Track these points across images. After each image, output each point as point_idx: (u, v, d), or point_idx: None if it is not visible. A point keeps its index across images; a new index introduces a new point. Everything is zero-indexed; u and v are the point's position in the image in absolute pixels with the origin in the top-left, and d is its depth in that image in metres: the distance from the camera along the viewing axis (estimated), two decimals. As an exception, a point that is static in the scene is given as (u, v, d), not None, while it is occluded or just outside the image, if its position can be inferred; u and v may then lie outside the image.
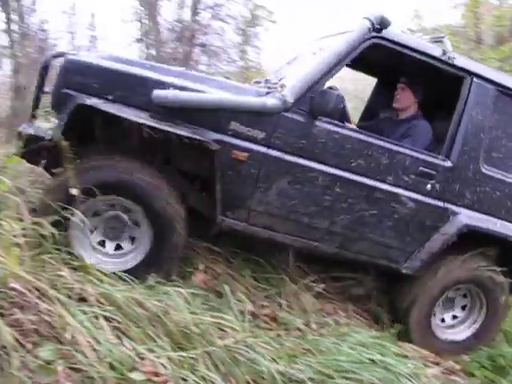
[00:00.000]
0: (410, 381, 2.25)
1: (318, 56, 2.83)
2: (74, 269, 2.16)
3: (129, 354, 1.80)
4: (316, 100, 2.58)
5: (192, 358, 1.92)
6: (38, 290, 1.86)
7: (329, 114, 2.62)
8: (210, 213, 2.70)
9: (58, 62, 2.59)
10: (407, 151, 2.88)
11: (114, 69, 2.49)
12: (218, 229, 2.72)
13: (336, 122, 2.74)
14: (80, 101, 2.32)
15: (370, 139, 2.82)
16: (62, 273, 2.04)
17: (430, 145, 3.13)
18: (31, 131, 2.43)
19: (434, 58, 2.88)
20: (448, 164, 2.95)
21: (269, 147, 2.63)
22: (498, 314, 3.31)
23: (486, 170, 3.02)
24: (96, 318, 1.90)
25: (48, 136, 2.33)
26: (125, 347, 1.83)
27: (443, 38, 3.03)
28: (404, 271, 3.05)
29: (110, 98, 2.42)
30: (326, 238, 2.86)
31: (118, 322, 1.95)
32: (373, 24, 2.62)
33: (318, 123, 2.68)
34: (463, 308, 3.38)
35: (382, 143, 2.83)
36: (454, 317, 3.38)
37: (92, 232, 2.51)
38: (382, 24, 2.67)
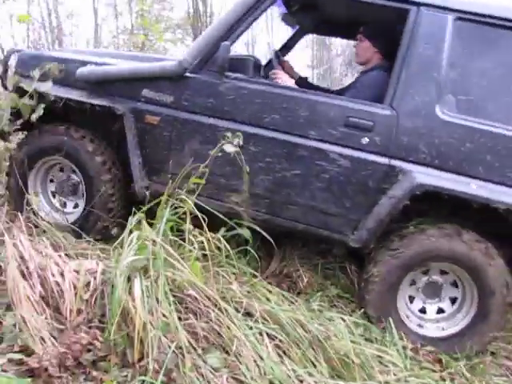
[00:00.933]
0: None
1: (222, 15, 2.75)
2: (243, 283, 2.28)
3: (288, 375, 1.82)
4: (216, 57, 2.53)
5: (350, 388, 1.87)
6: (210, 300, 1.99)
7: (222, 67, 2.51)
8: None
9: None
10: (330, 100, 2.51)
11: (50, 55, 2.84)
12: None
13: (243, 76, 2.59)
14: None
15: (282, 90, 2.57)
16: (232, 286, 2.15)
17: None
18: None
19: None
20: (389, 112, 2.44)
21: (178, 109, 2.63)
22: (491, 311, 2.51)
23: (448, 116, 2.40)
24: (260, 334, 1.96)
25: None
26: (285, 367, 1.85)
27: None
28: (351, 244, 2.57)
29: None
30: (250, 202, 2.59)
31: (280, 341, 1.98)
32: None
33: (225, 80, 2.57)
34: (453, 301, 2.66)
35: (297, 94, 2.54)
36: (441, 311, 2.67)
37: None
38: None
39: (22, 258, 1.96)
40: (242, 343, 1.82)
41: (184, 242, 2.08)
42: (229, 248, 2.21)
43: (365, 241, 2.55)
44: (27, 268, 1.95)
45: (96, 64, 2.76)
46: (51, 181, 2.97)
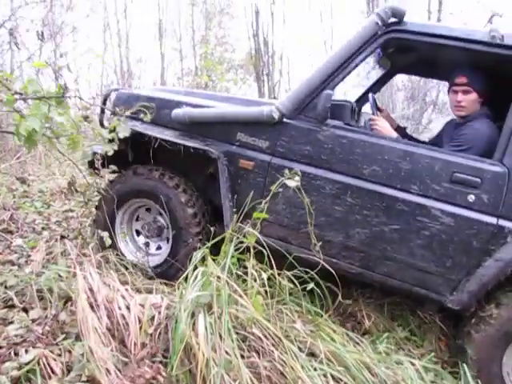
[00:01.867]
0: None
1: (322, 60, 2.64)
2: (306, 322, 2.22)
3: (355, 421, 1.73)
4: (315, 104, 2.48)
5: None
6: (273, 338, 1.95)
7: (321, 115, 2.45)
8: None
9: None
10: (435, 154, 2.36)
11: (146, 95, 2.89)
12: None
13: (342, 124, 2.51)
14: None
15: (384, 141, 2.46)
16: (296, 325, 2.10)
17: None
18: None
19: (473, 41, 2.35)
20: (498, 169, 2.26)
21: (273, 155, 2.59)
22: None
23: None
24: (325, 375, 1.90)
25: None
26: (351, 411, 1.77)
27: (492, 17, 2.42)
28: (449, 305, 2.39)
29: (144, 120, 2.71)
30: (343, 255, 2.52)
31: (346, 384, 1.90)
32: (381, 18, 2.37)
33: (324, 128, 2.50)
34: None
35: (400, 146, 2.42)
36: None
37: None
38: (395, 15, 2.40)
39: (91, 290, 2.01)
40: (306, 385, 1.76)
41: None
42: (291, 286, 2.17)
43: (465, 304, 2.40)
44: (95, 300, 2.00)
45: (191, 106, 2.81)
46: (137, 219, 3.03)
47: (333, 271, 2.22)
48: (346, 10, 19.37)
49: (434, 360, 2.50)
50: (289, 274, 2.14)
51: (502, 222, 2.29)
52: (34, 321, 2.03)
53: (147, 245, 2.95)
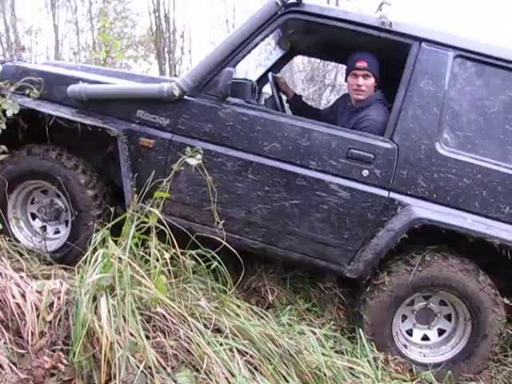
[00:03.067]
0: None
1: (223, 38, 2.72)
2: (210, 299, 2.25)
3: (261, 390, 1.79)
4: (216, 82, 2.50)
5: (323, 401, 1.86)
6: (178, 317, 1.94)
7: (221, 92, 2.48)
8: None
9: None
10: (333, 131, 2.50)
11: (37, 69, 2.73)
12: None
13: (243, 102, 2.54)
14: None
15: (285, 119, 2.54)
16: (200, 302, 2.12)
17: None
18: None
19: (365, 25, 2.52)
20: (389, 145, 2.46)
21: (174, 133, 2.58)
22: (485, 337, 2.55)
23: (446, 151, 2.44)
24: (230, 350, 1.93)
25: None
26: (257, 383, 1.82)
27: (382, 4, 2.64)
28: (348, 275, 2.59)
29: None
30: (246, 231, 2.60)
31: (251, 357, 1.95)
32: None
33: (225, 105, 2.53)
34: (440, 333, 2.72)
35: (299, 123, 2.52)
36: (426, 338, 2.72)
37: None
38: None
39: (-22, 280, 1.88)
40: (212, 360, 1.79)
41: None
42: (195, 264, 2.18)
43: (361, 272, 2.56)
44: (-16, 291, 1.86)
45: (89, 82, 2.66)
46: (32, 202, 2.85)
47: (234, 250, 2.25)
48: (248, -12, 19.45)
49: (333, 328, 2.66)
50: (192, 252, 2.14)
51: (393, 195, 2.47)
52: None
53: (44, 229, 2.79)
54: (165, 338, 1.86)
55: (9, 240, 2.59)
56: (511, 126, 2.48)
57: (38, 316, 1.83)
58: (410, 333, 2.72)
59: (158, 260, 1.97)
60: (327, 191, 2.48)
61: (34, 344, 1.80)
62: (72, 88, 2.62)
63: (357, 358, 2.29)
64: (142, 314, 1.86)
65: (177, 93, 2.51)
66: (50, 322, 1.85)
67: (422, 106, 2.46)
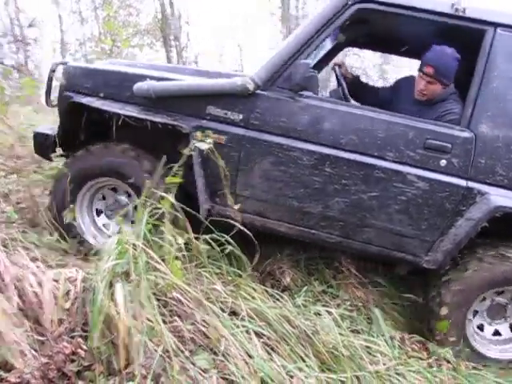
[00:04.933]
0: None
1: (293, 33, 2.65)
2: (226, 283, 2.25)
3: (278, 371, 1.80)
4: (291, 75, 2.45)
5: (341, 381, 1.86)
6: (194, 301, 1.96)
7: (300, 85, 2.43)
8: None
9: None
10: (409, 122, 2.47)
11: (100, 69, 2.72)
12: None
13: (317, 96, 2.53)
14: (72, 99, 2.58)
15: (361, 111, 2.51)
16: (216, 286, 2.12)
17: None
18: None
19: (439, 13, 2.44)
20: (467, 134, 2.43)
21: (247, 128, 2.52)
22: None
23: None
24: (247, 332, 1.94)
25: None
26: (275, 363, 1.83)
27: None
28: (425, 265, 2.58)
29: (101, 95, 2.60)
30: (322, 225, 2.58)
31: (268, 339, 1.97)
32: None
33: (298, 99, 2.49)
34: None
35: (375, 114, 2.49)
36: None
37: None
38: None
39: (-3, 270, 1.89)
40: (229, 343, 1.80)
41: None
42: (209, 248, 2.18)
43: (440, 262, 2.56)
44: (3, 280, 1.88)
45: (156, 79, 2.61)
46: (100, 199, 2.86)
47: (249, 233, 2.26)
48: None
49: (349, 308, 2.66)
50: (206, 237, 2.14)
51: (471, 184, 2.45)
52: None
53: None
54: (182, 322, 1.87)
55: (23, 231, 2.61)
56: None
57: (55, 304, 1.85)
58: (481, 328, 2.73)
59: (172, 245, 1.98)
60: (405, 182, 2.47)
61: (53, 331, 1.82)
62: (139, 86, 2.57)
63: (373, 337, 2.29)
64: (158, 300, 1.87)
65: (251, 87, 2.47)
66: (68, 310, 1.87)
67: (498, 93, 2.43)
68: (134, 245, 1.86)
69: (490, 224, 2.44)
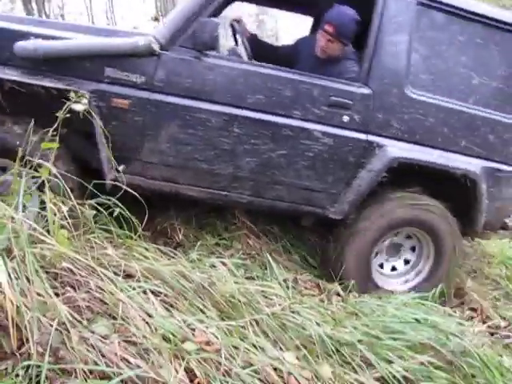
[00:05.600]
0: (460, 339, 2.23)
1: None
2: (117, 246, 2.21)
3: (180, 326, 1.83)
4: (196, 33, 2.40)
5: (241, 326, 1.95)
6: (86, 269, 1.90)
7: (206, 44, 2.40)
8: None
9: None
10: (313, 80, 2.58)
11: None
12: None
13: (223, 55, 2.58)
14: None
15: (266, 70, 2.56)
16: (107, 251, 2.07)
17: None
18: None
19: None
20: (366, 91, 2.63)
21: (151, 91, 2.45)
22: (447, 260, 3.00)
23: (414, 94, 2.68)
24: (144, 292, 1.93)
25: None
26: (175, 319, 1.86)
27: None
28: (332, 216, 2.77)
29: None
30: (234, 186, 2.63)
31: (166, 296, 1.98)
32: None
33: (204, 59, 2.46)
34: (413, 250, 3.11)
35: (281, 73, 2.56)
36: (407, 262, 3.12)
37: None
38: None
39: None
40: (127, 305, 1.78)
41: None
42: (96, 213, 2.11)
43: (345, 212, 2.73)
44: None
45: (43, 37, 2.29)
46: None
47: (135, 193, 2.21)
48: None
49: (243, 257, 2.75)
50: (92, 202, 2.06)
51: (371, 138, 2.66)
52: None
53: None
54: (75, 292, 1.81)
55: None
56: (465, 69, 2.74)
57: None
58: (381, 266, 3.06)
59: (55, 214, 1.88)
60: (311, 139, 2.58)
61: None
62: (23, 45, 2.25)
63: (267, 281, 2.40)
64: (47, 273, 1.78)
65: (156, 47, 2.33)
66: None
67: (390, 52, 2.62)
68: (12, 218, 1.73)
69: (389, 174, 2.67)
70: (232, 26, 3.21)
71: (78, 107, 2.07)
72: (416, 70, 2.68)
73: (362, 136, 2.65)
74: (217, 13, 2.53)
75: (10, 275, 1.63)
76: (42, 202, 1.92)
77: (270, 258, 2.55)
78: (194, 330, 1.85)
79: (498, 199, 2.93)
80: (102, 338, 1.67)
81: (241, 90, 2.48)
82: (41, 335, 1.57)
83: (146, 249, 2.24)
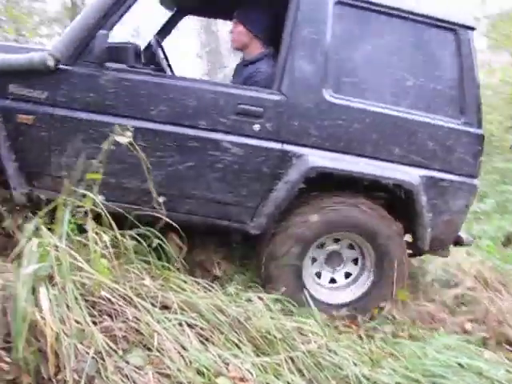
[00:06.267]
0: (507, 387, 2.11)
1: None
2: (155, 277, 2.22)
3: (214, 360, 1.81)
4: (90, 47, 2.39)
5: (276, 363, 1.91)
6: (124, 299, 1.92)
7: (101, 57, 2.37)
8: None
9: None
10: (219, 88, 2.50)
11: None
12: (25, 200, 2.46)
13: (123, 66, 2.45)
14: None
15: (169, 80, 2.52)
16: (145, 281, 2.09)
17: None
18: None
19: None
20: (277, 98, 2.47)
21: (55, 106, 2.42)
22: (391, 272, 2.67)
23: (334, 98, 2.50)
24: (180, 324, 1.94)
25: None
26: (210, 353, 1.85)
27: None
28: (252, 231, 2.60)
29: None
30: (144, 200, 2.47)
31: (202, 329, 1.97)
32: None
33: (105, 72, 2.42)
34: (355, 262, 2.83)
35: (183, 83, 2.50)
36: (348, 275, 2.83)
37: None
38: None
39: None
40: (163, 337, 1.79)
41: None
42: (135, 244, 2.15)
43: (264, 227, 2.56)
44: None
45: None
46: None
47: (176, 225, 2.23)
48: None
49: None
50: (132, 233, 2.10)
51: (286, 147, 2.48)
52: None
53: None
54: (112, 321, 1.83)
55: None
56: (396, 70, 2.57)
57: (-28, 317, 1.74)
58: (318, 275, 2.80)
59: (97, 243, 1.92)
60: (220, 149, 2.46)
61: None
62: None
63: (304, 318, 2.36)
64: (86, 300, 1.81)
65: (51, 63, 2.34)
66: (-13, 322, 1.76)
67: (306, 54, 2.47)
68: (56, 246, 1.78)
69: (308, 184, 2.49)
70: (155, 38, 3.23)
71: (123, 140, 2.13)
72: (337, 73, 2.51)
73: (277, 145, 2.49)
74: (113, 26, 2.49)
75: (51, 302, 1.67)
76: (84, 230, 1.97)
77: (306, 294, 2.51)
78: (228, 364, 1.83)
79: (445, 212, 2.66)
80: (137, 368, 1.68)
81: (143, 102, 2.44)
82: (77, 363, 1.59)
83: (184, 281, 2.24)
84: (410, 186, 2.53)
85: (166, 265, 2.26)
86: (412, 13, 2.56)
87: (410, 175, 2.54)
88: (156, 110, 2.43)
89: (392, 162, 2.56)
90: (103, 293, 1.86)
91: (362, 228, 2.61)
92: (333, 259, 2.78)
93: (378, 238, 2.63)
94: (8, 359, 1.65)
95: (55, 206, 1.93)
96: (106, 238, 1.92)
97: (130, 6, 2.46)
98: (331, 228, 2.62)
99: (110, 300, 1.87)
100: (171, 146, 2.45)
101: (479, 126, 2.64)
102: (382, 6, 2.53)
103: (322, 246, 2.73)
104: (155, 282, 2.14)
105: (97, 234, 1.92)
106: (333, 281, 2.81)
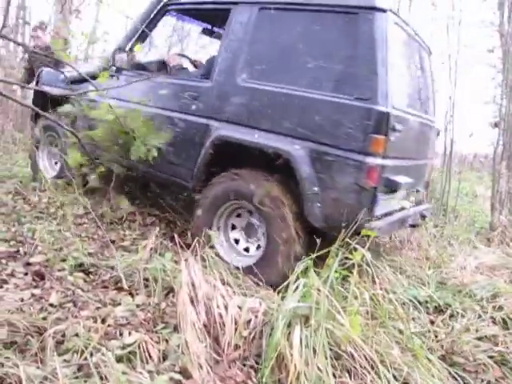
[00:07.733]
0: None
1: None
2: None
3: None
4: None
5: None
6: (367, 360, 1.86)
7: None
8: None
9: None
10: (176, 81, 3.41)
11: None
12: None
13: None
14: None
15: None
16: (393, 351, 1.99)
17: None
18: None
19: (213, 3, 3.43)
20: (207, 84, 3.19)
21: None
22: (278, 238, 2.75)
23: (244, 82, 3.01)
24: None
25: None
26: None
27: None
28: (190, 187, 3.28)
29: None
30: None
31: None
32: None
33: None
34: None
35: (163, 80, 3.41)
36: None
37: None
38: None
39: (193, 285, 2.07)
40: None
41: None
42: (393, 308, 2.08)
43: (194, 185, 3.23)
44: (196, 295, 2.05)
45: None
46: None
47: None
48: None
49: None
50: (392, 297, 2.04)
51: (209, 121, 3.14)
52: (138, 306, 2.13)
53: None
54: (350, 379, 1.80)
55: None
56: (299, 56, 2.83)
57: (235, 329, 1.94)
58: (237, 241, 3.13)
59: (356, 298, 1.93)
60: (173, 124, 3.29)
61: (228, 354, 1.91)
62: None
63: None
64: (331, 350, 1.83)
65: None
66: (245, 338, 1.94)
67: (228, 52, 3.11)
68: (318, 290, 1.86)
69: (219, 152, 3.04)
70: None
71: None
72: (251, 64, 3.00)
73: (204, 120, 3.16)
74: None
75: (301, 341, 1.74)
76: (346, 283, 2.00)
77: None
78: None
79: (332, 188, 2.66)
80: None
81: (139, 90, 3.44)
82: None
83: (434, 365, 2.05)
84: (287, 155, 2.75)
85: (420, 342, 2.10)
86: (311, 4, 2.85)
87: (291, 146, 2.75)
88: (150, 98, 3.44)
89: (283, 134, 2.79)
90: (349, 348, 1.85)
91: (242, 194, 2.92)
92: (251, 231, 3.08)
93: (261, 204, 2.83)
94: (254, 379, 1.78)
95: (327, 251, 2.02)
96: (366, 295, 1.91)
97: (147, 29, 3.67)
98: (225, 196, 3.02)
99: (353, 357, 1.85)
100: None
101: (374, 101, 2.55)
102: (290, 3, 2.93)
103: (239, 215, 3.12)
104: (403, 354, 2.03)
105: (358, 288, 1.93)
106: (246, 250, 3.11)
